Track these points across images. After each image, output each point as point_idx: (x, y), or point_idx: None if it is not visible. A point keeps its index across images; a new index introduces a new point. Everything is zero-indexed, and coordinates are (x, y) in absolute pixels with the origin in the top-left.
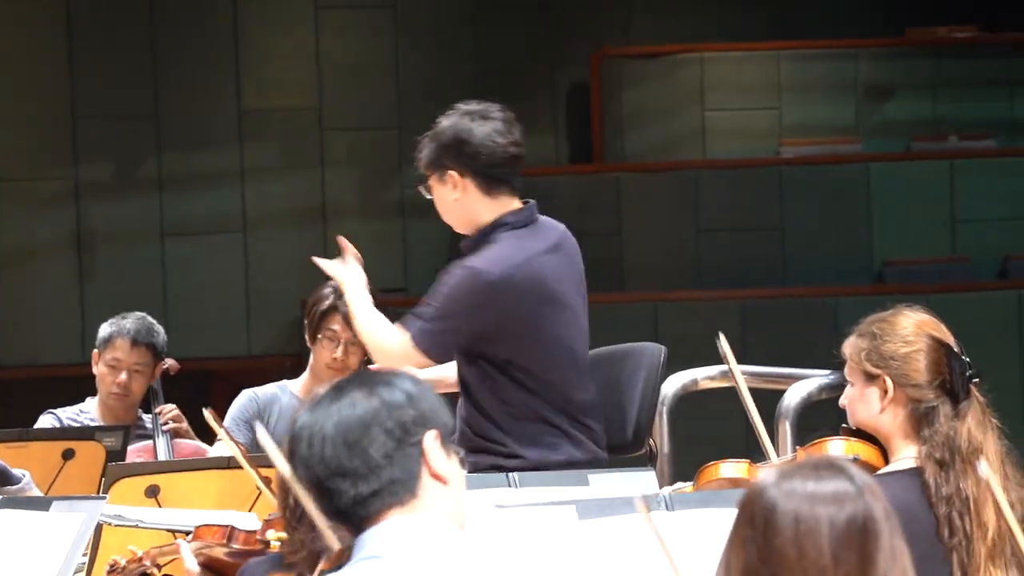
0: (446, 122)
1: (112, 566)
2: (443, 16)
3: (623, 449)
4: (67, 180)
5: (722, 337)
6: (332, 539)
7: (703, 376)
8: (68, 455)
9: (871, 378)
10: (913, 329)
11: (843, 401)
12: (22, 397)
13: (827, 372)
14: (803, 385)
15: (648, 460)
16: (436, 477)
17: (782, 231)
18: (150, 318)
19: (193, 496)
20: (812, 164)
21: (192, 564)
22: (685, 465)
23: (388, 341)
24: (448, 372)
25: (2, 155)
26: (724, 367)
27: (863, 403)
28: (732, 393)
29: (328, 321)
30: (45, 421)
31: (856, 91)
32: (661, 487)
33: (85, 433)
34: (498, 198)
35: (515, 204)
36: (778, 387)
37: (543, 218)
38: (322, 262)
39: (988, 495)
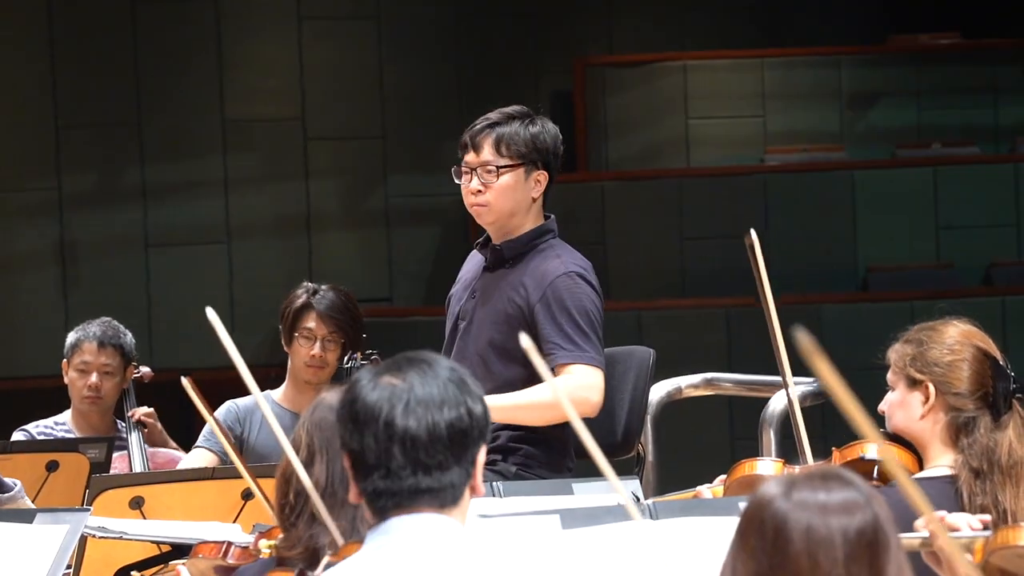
0: (536, 120)
1: None
2: (426, 26)
3: (612, 452)
4: (50, 191)
5: (753, 233)
6: (336, 532)
7: (687, 384)
8: (52, 467)
9: (914, 384)
10: (959, 338)
11: (882, 407)
12: (4, 409)
13: (811, 380)
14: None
15: (636, 463)
16: (474, 489)
17: (766, 239)
18: (116, 322)
19: (177, 507)
20: (796, 172)
21: None
22: (669, 473)
23: (574, 390)
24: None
25: None
26: (708, 375)
27: (903, 409)
28: (715, 402)
29: (303, 320)
30: (17, 438)
31: (840, 98)
32: (646, 495)
33: (69, 445)
34: (542, 213)
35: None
36: (763, 395)
37: None
38: None
39: None
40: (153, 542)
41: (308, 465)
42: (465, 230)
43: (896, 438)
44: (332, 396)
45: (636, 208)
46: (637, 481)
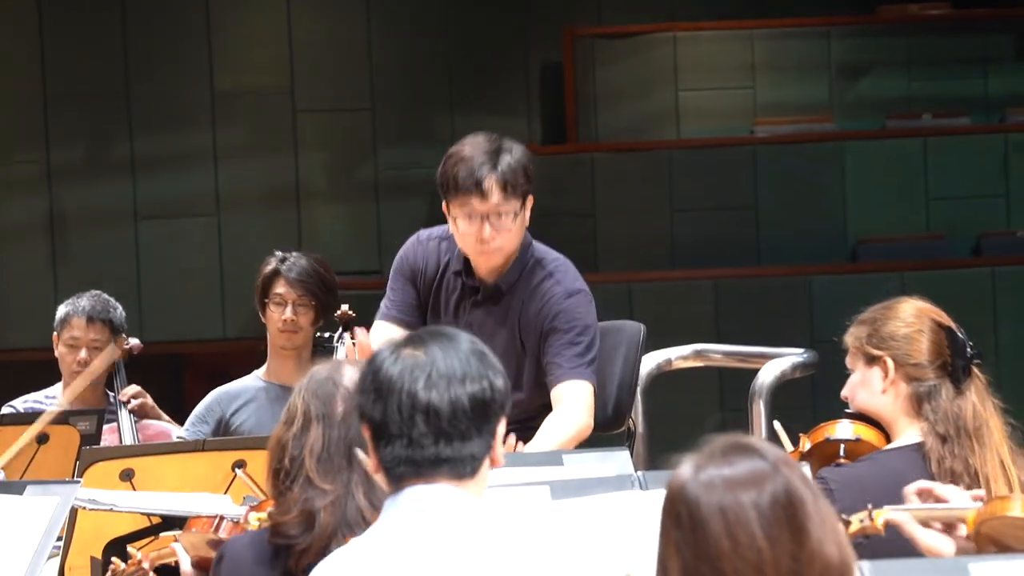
0: (511, 146)
1: (112, 571)
2: None
3: (603, 427)
4: (39, 163)
5: (777, 425)
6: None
7: (677, 356)
8: (42, 439)
9: (872, 360)
10: (914, 312)
11: (844, 392)
12: None
13: (801, 351)
14: (777, 364)
15: (627, 438)
16: (493, 461)
17: (756, 210)
18: (105, 295)
19: (168, 479)
20: (786, 143)
21: (187, 565)
22: (659, 445)
23: (582, 417)
24: None
25: None
26: (697, 347)
27: (864, 387)
28: (705, 373)
29: (273, 286)
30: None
31: (830, 70)
32: (636, 467)
33: (59, 417)
34: None
35: None
36: (752, 366)
37: None
38: None
39: (1000, 473)
40: (143, 514)
41: (304, 431)
42: None
43: (863, 418)
44: (326, 367)
45: (626, 180)
46: (627, 453)
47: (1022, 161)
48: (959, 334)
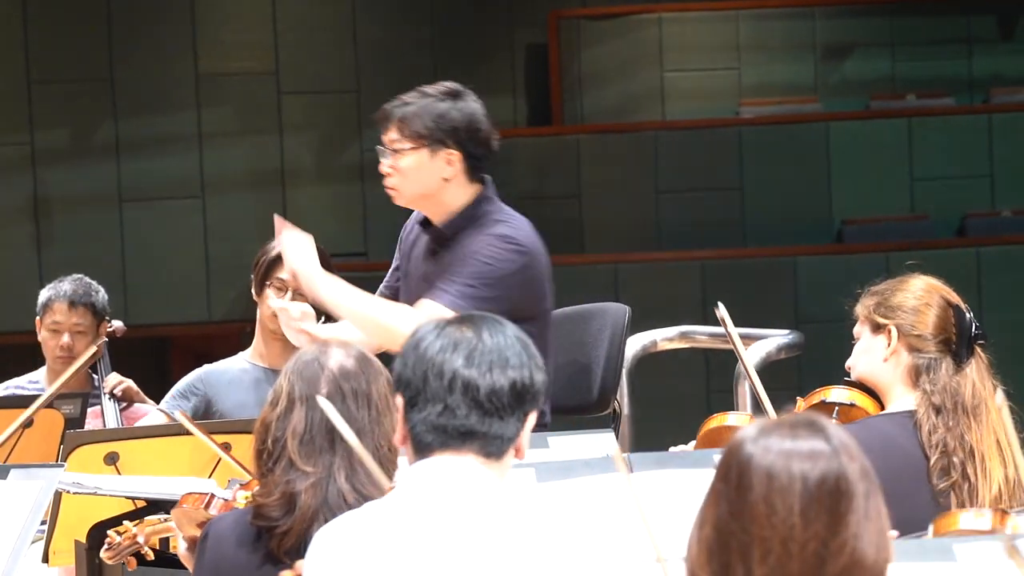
0: (449, 99)
1: (108, 543)
2: None
3: (588, 409)
4: (23, 146)
5: (721, 306)
6: (377, 472)
7: (662, 338)
8: (26, 423)
9: (878, 328)
10: (924, 287)
11: (849, 362)
12: None
13: (786, 332)
14: (762, 345)
15: (612, 420)
16: (519, 450)
17: (741, 191)
18: (88, 279)
19: (152, 463)
20: (771, 124)
21: (183, 548)
22: (645, 426)
23: (403, 318)
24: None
25: None
26: (683, 328)
27: (867, 353)
28: (691, 355)
29: (276, 270)
30: None
31: (814, 50)
32: (622, 449)
33: (43, 401)
34: (474, 184)
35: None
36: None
37: None
38: (285, 230)
39: (995, 451)
40: (128, 497)
41: (288, 412)
42: None
43: (861, 387)
44: (313, 348)
45: (611, 161)
46: (612, 434)
47: (1006, 141)
48: (967, 313)
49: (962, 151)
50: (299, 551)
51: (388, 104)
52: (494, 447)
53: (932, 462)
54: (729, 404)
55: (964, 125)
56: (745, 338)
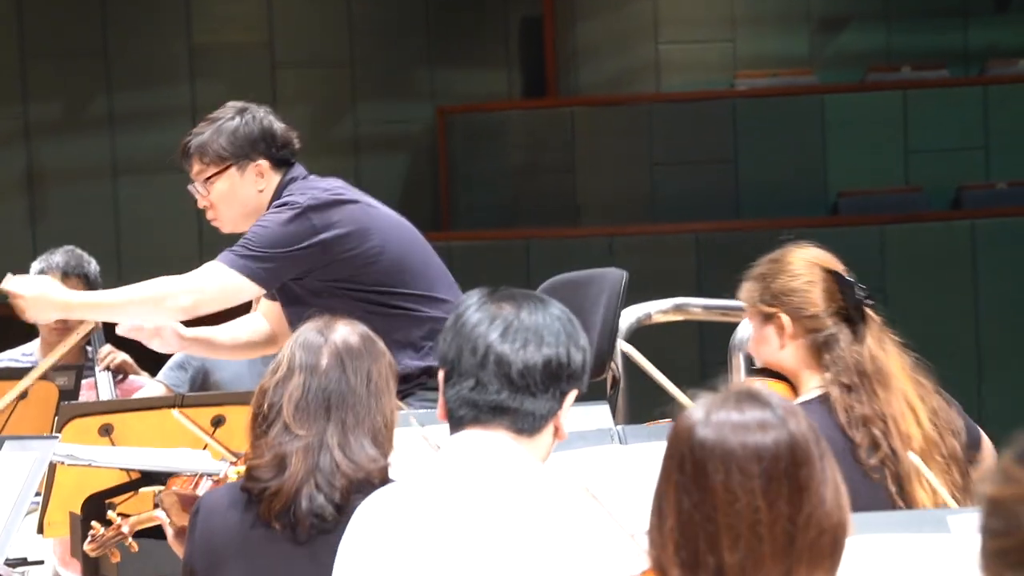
0: (238, 115)
1: (92, 536)
2: None
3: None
4: (17, 119)
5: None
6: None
7: (657, 310)
8: (21, 395)
9: (767, 318)
10: (802, 263)
11: (748, 347)
12: None
13: None
14: None
15: (610, 387)
16: (557, 429)
17: (736, 163)
18: (79, 250)
19: (147, 435)
20: (766, 96)
21: (170, 536)
22: (639, 399)
23: (171, 281)
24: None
25: None
26: (678, 300)
27: (763, 344)
28: (685, 327)
29: None
30: None
31: (809, 23)
32: (616, 420)
33: (37, 373)
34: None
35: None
36: (732, 320)
37: None
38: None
39: (907, 412)
40: (123, 469)
41: (286, 380)
42: (434, 157)
43: (771, 373)
44: (317, 322)
45: (606, 133)
46: (607, 407)
47: (1002, 113)
48: (848, 277)
49: (957, 123)
50: (288, 514)
51: (183, 139)
52: (525, 423)
53: (859, 439)
54: (723, 376)
55: (959, 97)
56: (739, 311)
